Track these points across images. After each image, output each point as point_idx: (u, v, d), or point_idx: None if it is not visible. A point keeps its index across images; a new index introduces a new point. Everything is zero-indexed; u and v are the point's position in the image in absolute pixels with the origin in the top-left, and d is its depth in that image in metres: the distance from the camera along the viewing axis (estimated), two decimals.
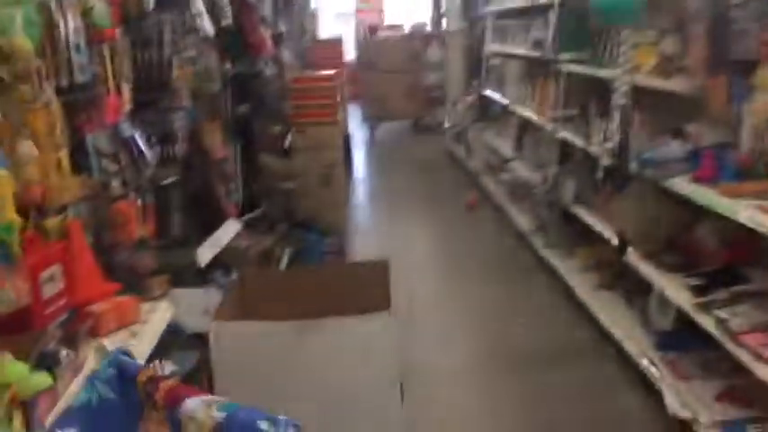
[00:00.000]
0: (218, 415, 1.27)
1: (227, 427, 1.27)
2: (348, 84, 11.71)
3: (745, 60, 2.63)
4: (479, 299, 4.77)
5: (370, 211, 7.58)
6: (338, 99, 6.27)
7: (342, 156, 6.16)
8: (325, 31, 12.09)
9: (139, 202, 2.52)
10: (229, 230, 3.83)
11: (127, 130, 2.39)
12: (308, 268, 4.34)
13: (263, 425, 1.27)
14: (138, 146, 2.41)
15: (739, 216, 2.43)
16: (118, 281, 2.36)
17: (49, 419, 1.39)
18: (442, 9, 11.19)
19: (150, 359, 2.21)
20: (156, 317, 1.86)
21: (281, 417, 1.28)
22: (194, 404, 1.31)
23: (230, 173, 4.25)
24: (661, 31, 3.45)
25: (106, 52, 2.23)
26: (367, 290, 2.56)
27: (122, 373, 1.40)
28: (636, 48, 3.51)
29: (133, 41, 2.75)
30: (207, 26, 3.28)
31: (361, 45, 11.86)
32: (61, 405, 1.42)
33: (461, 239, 6.17)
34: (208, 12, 3.57)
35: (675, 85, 3.19)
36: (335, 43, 9.91)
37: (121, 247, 2.35)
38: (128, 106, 2.48)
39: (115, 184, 2.27)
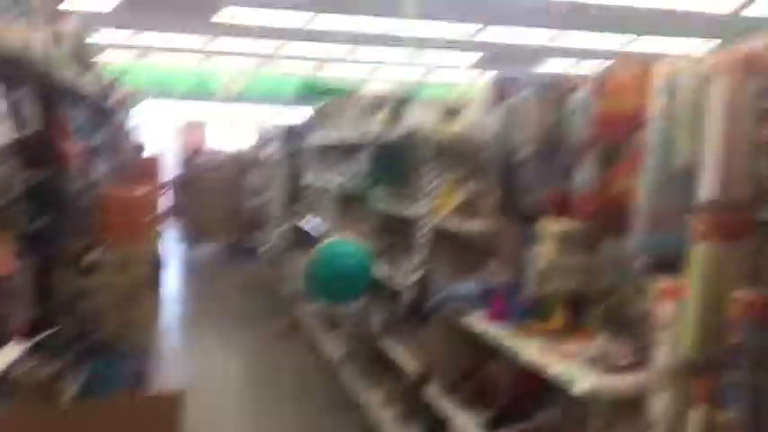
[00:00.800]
0: None
1: None
2: (167, 202, 11.48)
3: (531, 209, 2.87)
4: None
5: (178, 335, 7.24)
6: (150, 216, 6.07)
7: (150, 275, 5.90)
8: (147, 147, 11.86)
9: None
10: (8, 355, 3.46)
11: None
12: (88, 404, 3.97)
13: None
14: None
15: (522, 355, 2.57)
16: None
17: None
18: (266, 136, 11.42)
19: None
20: None
21: None
22: None
23: (17, 290, 3.89)
24: (463, 175, 3.72)
25: None
26: (154, 429, 2.37)
27: None
28: (439, 189, 3.73)
29: None
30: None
31: (185, 164, 11.75)
32: None
33: (271, 367, 6.02)
34: (11, 117, 3.37)
35: (474, 226, 3.41)
36: (155, 160, 9.72)
37: None
38: None
39: None
